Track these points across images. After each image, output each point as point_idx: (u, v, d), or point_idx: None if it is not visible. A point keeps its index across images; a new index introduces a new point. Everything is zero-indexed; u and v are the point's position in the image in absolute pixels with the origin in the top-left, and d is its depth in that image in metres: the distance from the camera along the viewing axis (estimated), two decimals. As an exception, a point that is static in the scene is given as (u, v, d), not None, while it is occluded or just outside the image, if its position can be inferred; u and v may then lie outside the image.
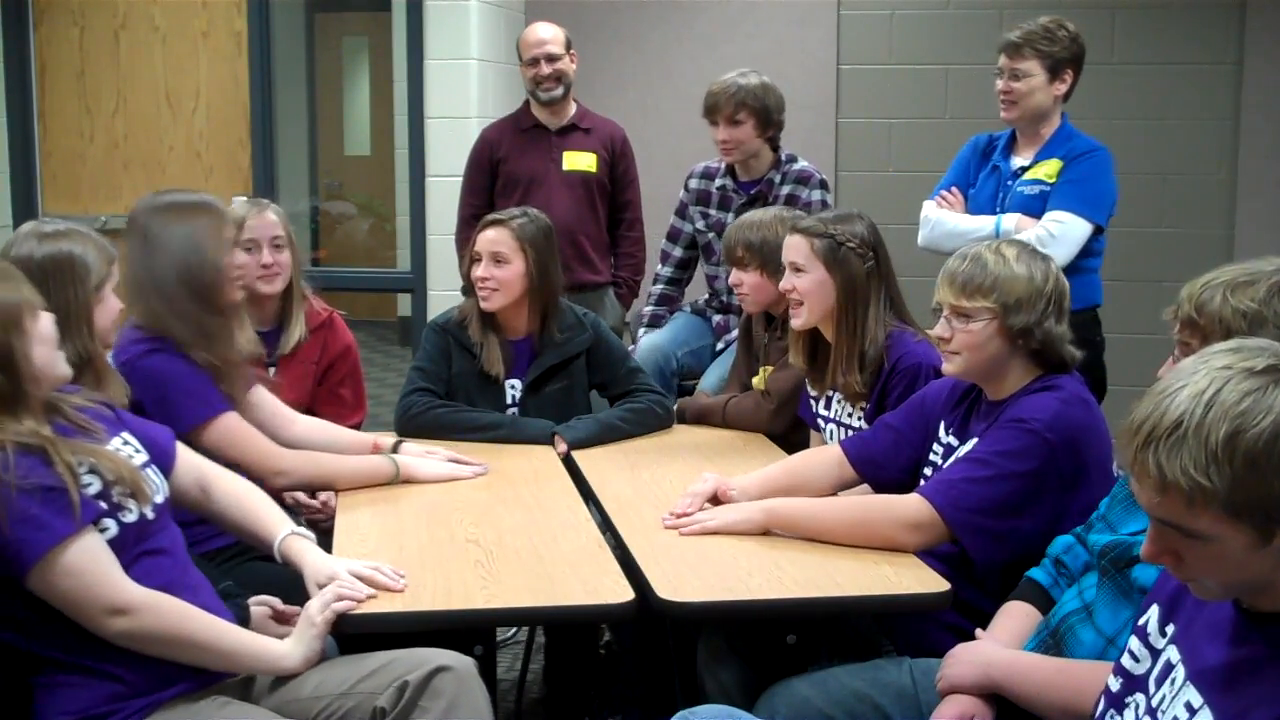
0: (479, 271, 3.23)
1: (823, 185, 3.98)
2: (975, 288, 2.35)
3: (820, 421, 3.07)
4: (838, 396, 2.99)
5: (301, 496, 3.11)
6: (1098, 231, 3.46)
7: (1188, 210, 5.56)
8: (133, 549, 2.04)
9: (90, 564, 1.95)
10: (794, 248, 2.91)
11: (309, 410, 3.37)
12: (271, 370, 3.29)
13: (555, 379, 3.31)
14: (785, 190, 3.95)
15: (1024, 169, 3.55)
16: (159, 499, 2.14)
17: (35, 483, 1.91)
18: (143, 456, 2.17)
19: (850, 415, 2.96)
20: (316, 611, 2.10)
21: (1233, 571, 1.36)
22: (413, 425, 3.21)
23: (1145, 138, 5.50)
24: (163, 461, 2.25)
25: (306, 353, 3.33)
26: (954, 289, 2.37)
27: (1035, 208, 3.45)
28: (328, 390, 3.38)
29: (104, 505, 2.00)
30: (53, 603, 1.96)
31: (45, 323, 2.05)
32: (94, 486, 2.00)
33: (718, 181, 4.05)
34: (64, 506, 1.93)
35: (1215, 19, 5.51)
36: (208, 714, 2.01)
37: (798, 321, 2.93)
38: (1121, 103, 5.43)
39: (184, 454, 2.36)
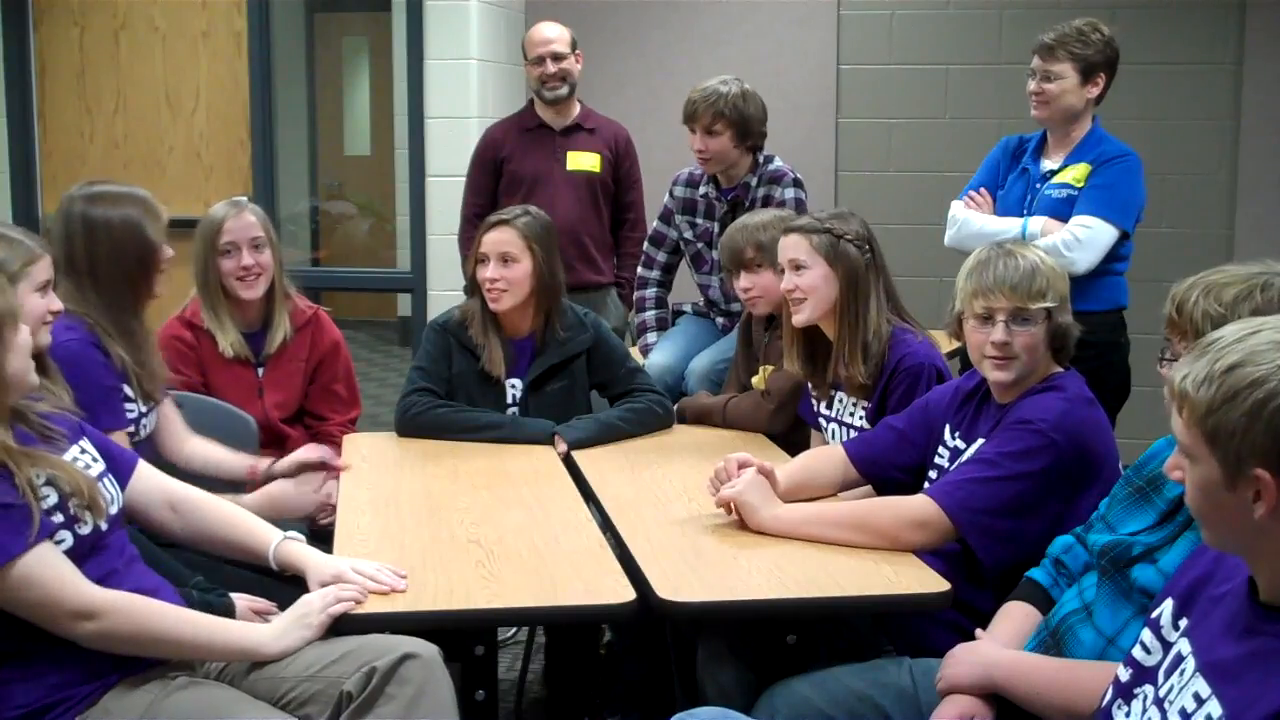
0: (488, 273, 3.22)
1: (796, 183, 3.92)
2: (1037, 289, 2.35)
3: (821, 421, 3.08)
4: (839, 395, 2.99)
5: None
6: (1124, 237, 3.45)
7: (1188, 210, 5.56)
8: (85, 560, 2.04)
9: (49, 573, 1.96)
10: (793, 246, 2.92)
11: (301, 409, 3.38)
12: (260, 371, 3.29)
13: (556, 379, 3.31)
14: (761, 192, 3.91)
15: (1053, 172, 3.54)
16: (113, 510, 2.14)
17: None
18: (99, 466, 2.17)
19: (852, 414, 2.96)
20: (317, 610, 2.10)
21: (1215, 510, 1.41)
22: (413, 425, 3.22)
23: (1145, 138, 5.47)
24: (119, 472, 2.25)
25: (294, 351, 3.33)
26: (1017, 293, 2.35)
27: (1062, 211, 3.44)
28: (321, 387, 3.40)
29: (60, 518, 2.01)
30: (18, 613, 1.96)
31: (24, 334, 2.05)
32: (51, 499, 2.00)
33: (702, 189, 4.01)
34: (17, 523, 1.93)
35: (1215, 19, 5.51)
36: (159, 693, 2.02)
37: (799, 318, 2.92)
38: (1121, 103, 5.41)
39: (148, 472, 2.34)
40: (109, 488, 2.16)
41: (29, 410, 2.09)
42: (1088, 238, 3.36)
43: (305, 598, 2.14)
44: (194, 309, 3.29)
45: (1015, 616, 2.12)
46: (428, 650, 2.02)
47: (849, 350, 2.87)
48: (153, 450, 2.85)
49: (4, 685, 1.99)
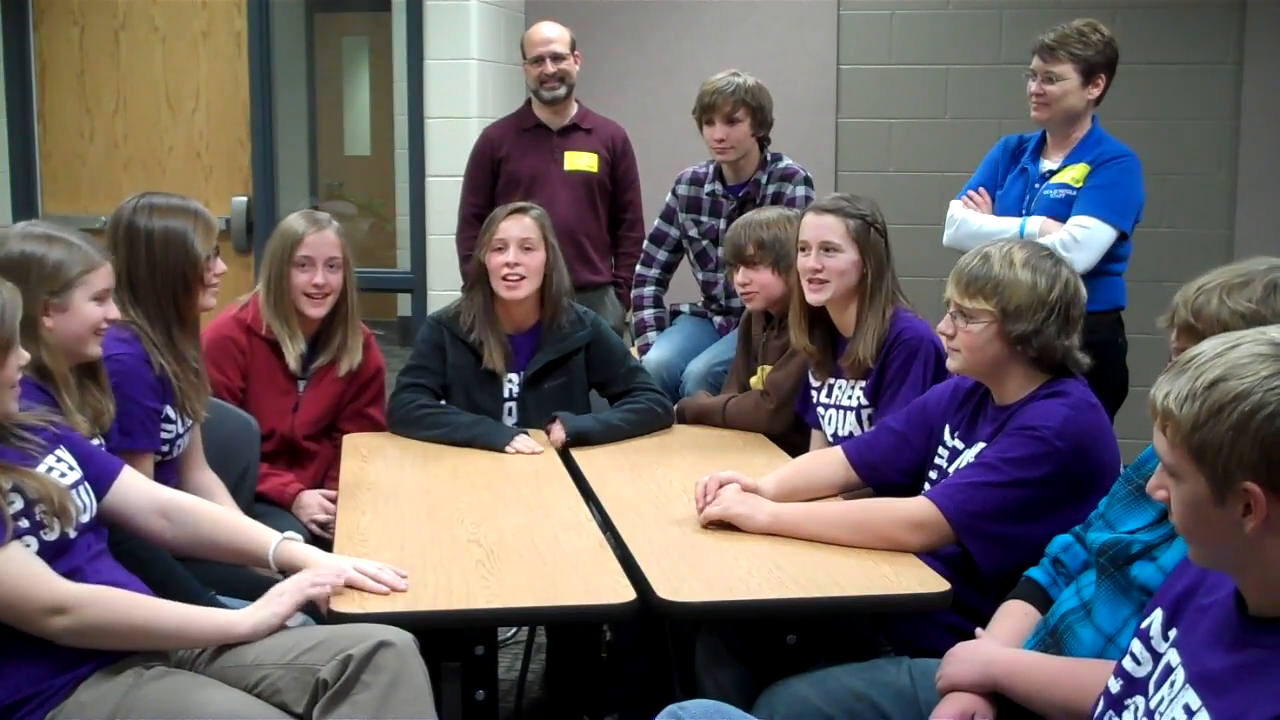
0: (509, 258, 3.23)
1: (807, 182, 3.94)
2: (977, 289, 2.35)
3: (820, 410, 3.08)
4: (839, 383, 3.00)
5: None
6: (1122, 237, 3.45)
7: (1188, 210, 5.55)
8: (49, 563, 2.03)
9: (19, 569, 1.96)
10: (827, 227, 2.93)
11: (332, 426, 3.36)
12: (301, 386, 3.28)
13: (554, 375, 3.31)
14: (771, 189, 3.93)
15: (1052, 172, 3.53)
16: (84, 518, 2.14)
17: None
18: (74, 475, 2.16)
19: (850, 396, 2.97)
20: (290, 591, 2.12)
21: (1204, 527, 1.40)
22: (399, 423, 3.26)
23: (1145, 138, 5.47)
24: (98, 480, 2.23)
25: (338, 371, 3.30)
26: (958, 287, 2.38)
27: (1061, 211, 3.44)
28: (355, 410, 3.37)
29: (25, 524, 2.00)
30: None
31: (13, 368, 2.03)
32: (16, 504, 2.00)
33: (707, 187, 4.02)
34: None
35: (1215, 19, 5.51)
36: (133, 683, 2.02)
37: (818, 297, 2.95)
38: (1121, 103, 5.41)
39: (134, 479, 2.32)
40: (82, 496, 2.15)
41: (7, 422, 2.08)
42: (1085, 238, 3.36)
43: (279, 584, 2.16)
44: (254, 315, 3.23)
45: (1014, 615, 2.12)
46: (403, 638, 2.03)
47: (867, 334, 2.91)
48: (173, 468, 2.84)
49: None
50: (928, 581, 2.21)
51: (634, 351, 4.12)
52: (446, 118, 5.00)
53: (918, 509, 2.35)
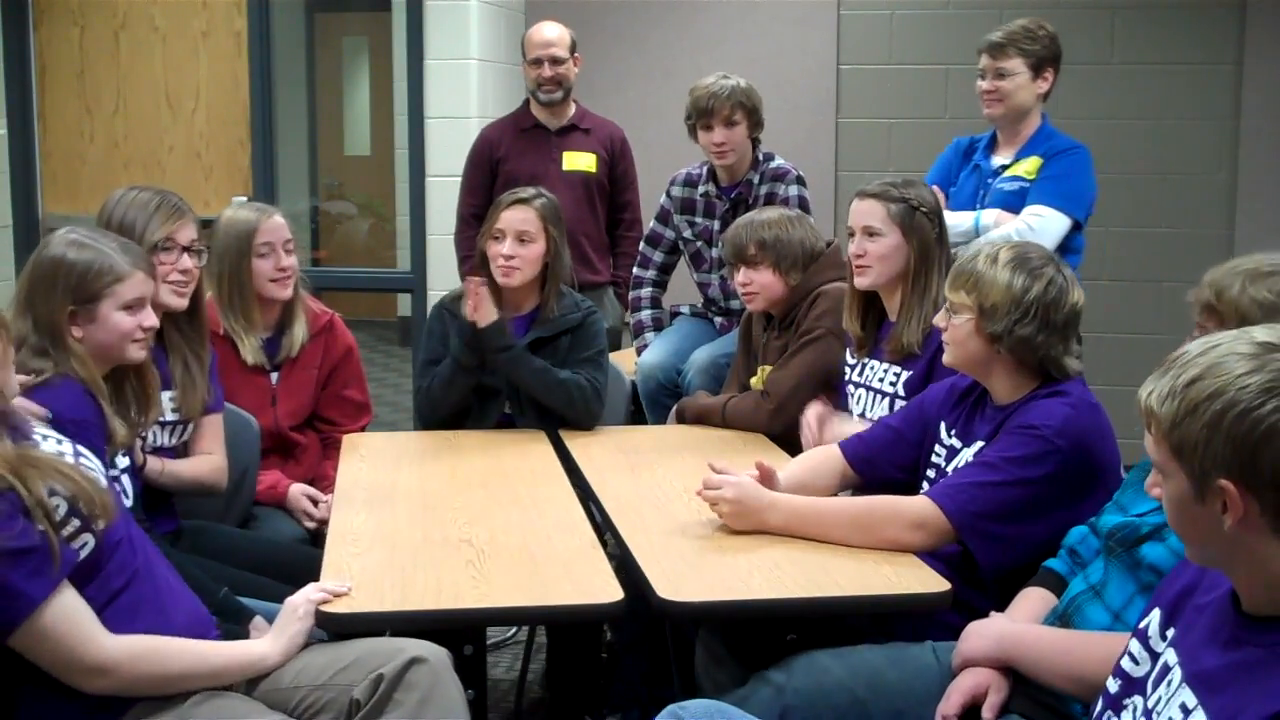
0: (504, 249, 3.25)
1: (799, 181, 3.94)
2: (960, 283, 2.39)
3: (850, 387, 3.08)
4: (873, 363, 3.01)
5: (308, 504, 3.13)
6: (1076, 227, 3.48)
7: (1188, 210, 5.56)
8: (109, 555, 2.00)
9: (66, 626, 1.89)
10: (867, 213, 2.94)
11: (313, 415, 3.36)
12: (274, 376, 3.28)
13: (542, 354, 3.32)
14: (764, 190, 3.93)
15: (1004, 167, 3.61)
16: (128, 502, 2.13)
17: (8, 545, 1.81)
18: (67, 446, 2.06)
19: (882, 380, 2.97)
20: (301, 605, 2.12)
21: (1190, 525, 1.43)
22: (433, 408, 3.32)
23: (1145, 138, 5.50)
24: (94, 446, 2.18)
25: (308, 358, 3.31)
26: (950, 279, 2.43)
27: (1015, 203, 3.50)
28: (333, 394, 3.37)
29: (76, 523, 1.91)
30: (33, 661, 1.91)
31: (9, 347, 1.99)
32: (61, 508, 1.90)
33: (701, 188, 4.01)
34: (37, 567, 1.85)
35: (1215, 19, 5.51)
36: (183, 706, 2.01)
37: (862, 282, 2.96)
38: (1121, 103, 5.43)
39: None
40: (125, 484, 2.13)
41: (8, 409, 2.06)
42: (1040, 226, 3.40)
43: (288, 600, 2.16)
44: (210, 315, 3.22)
45: (1031, 599, 2.15)
46: (435, 654, 2.03)
47: (911, 318, 2.90)
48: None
49: (38, 702, 1.97)
50: (928, 581, 2.21)
51: (633, 352, 4.13)
52: (446, 118, 5.00)
53: (919, 509, 2.35)
